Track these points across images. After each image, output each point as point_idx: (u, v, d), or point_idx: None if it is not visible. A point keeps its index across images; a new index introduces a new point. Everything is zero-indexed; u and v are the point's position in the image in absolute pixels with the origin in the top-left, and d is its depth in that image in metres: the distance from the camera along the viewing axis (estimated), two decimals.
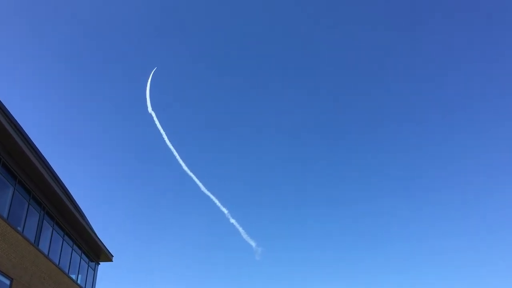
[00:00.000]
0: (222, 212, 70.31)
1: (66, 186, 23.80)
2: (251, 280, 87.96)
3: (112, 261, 30.55)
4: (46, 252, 21.98)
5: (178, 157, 67.14)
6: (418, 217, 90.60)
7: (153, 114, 67.33)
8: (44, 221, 22.16)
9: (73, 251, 25.79)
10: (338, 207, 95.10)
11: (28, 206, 20.55)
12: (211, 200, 70.33)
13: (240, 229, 71.37)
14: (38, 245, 21.15)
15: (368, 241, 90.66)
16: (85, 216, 26.75)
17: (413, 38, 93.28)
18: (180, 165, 68.07)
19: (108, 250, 29.39)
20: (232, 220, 69.97)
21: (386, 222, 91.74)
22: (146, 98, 68.14)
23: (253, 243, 73.87)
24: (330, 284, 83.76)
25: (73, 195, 24.69)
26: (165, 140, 66.87)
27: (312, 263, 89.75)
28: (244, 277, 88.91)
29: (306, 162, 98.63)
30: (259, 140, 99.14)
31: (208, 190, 69.24)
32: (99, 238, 27.79)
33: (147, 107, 68.29)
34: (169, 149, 68.49)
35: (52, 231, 23.08)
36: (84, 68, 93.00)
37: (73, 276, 25.89)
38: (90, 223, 27.33)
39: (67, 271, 24.59)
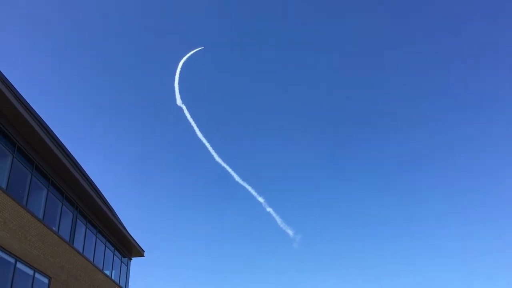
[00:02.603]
0: (258, 202, 70.11)
1: (96, 185, 24.40)
2: (289, 268, 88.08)
3: (143, 256, 31.24)
4: (81, 250, 22.66)
5: (210, 148, 66.98)
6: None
7: (184, 107, 66.86)
8: (78, 220, 22.81)
9: (106, 248, 26.49)
10: (379, 193, 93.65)
11: (62, 206, 21.18)
12: (246, 190, 69.86)
13: (277, 217, 71.11)
14: (73, 244, 21.82)
15: (413, 230, 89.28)
16: (116, 213, 27.39)
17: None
18: (212, 156, 67.82)
19: (139, 246, 30.05)
20: (269, 209, 69.67)
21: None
22: (174, 91, 67.08)
23: (290, 232, 73.64)
24: (369, 273, 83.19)
25: (103, 193, 25.31)
26: (196, 133, 66.52)
27: (351, 250, 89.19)
28: (282, 265, 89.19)
29: (343, 150, 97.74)
30: (292, 129, 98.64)
31: (244, 180, 68.64)
32: (130, 234, 28.44)
33: (175, 101, 67.39)
34: (201, 141, 68.21)
35: (86, 229, 23.74)
36: (108, 61, 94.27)
37: (107, 272, 26.62)
38: (121, 219, 27.96)
39: (101, 268, 25.30)
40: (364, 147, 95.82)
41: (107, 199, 25.73)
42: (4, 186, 16.23)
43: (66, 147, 20.62)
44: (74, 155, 21.45)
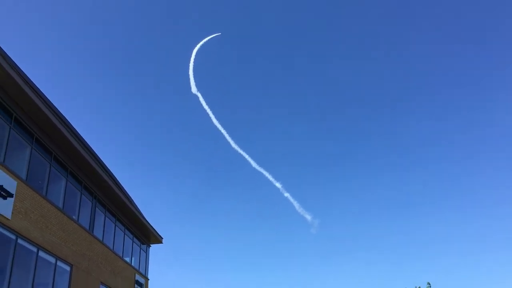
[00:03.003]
0: (276, 188, 70.01)
1: (114, 174, 24.73)
2: (307, 253, 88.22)
3: (162, 243, 31.72)
4: (100, 238, 23.10)
5: (226, 135, 66.89)
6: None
7: (199, 95, 66.50)
8: (97, 208, 23.21)
9: (125, 235, 26.95)
10: (401, 173, 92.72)
11: (81, 195, 21.55)
12: (264, 176, 69.68)
13: (295, 202, 71.07)
14: (93, 232, 22.25)
15: (434, 211, 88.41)
16: (134, 201, 27.77)
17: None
18: (229, 143, 67.93)
19: (157, 233, 30.50)
20: (286, 194, 69.64)
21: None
22: (189, 79, 66.39)
23: (308, 216, 73.60)
24: (390, 256, 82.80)
25: (121, 182, 25.64)
26: (212, 120, 66.35)
27: (372, 234, 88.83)
28: (300, 251, 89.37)
29: (360, 132, 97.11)
30: (308, 113, 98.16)
31: (261, 166, 68.47)
32: (148, 222, 28.86)
33: (190, 88, 66.73)
34: (217, 128, 68.03)
35: (105, 217, 24.16)
36: (121, 49, 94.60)
37: (127, 259, 27.14)
38: (140, 207, 28.35)
39: (121, 255, 25.79)
40: (382, 127, 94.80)
41: (124, 188, 26.09)
42: (24, 177, 16.56)
43: (83, 136, 20.89)
44: (90, 145, 21.74)
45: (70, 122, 19.59)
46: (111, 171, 24.23)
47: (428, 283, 41.18)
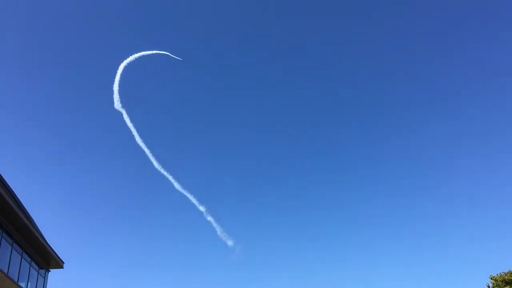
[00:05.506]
0: (200, 211, 68.92)
1: (15, 192, 23.12)
2: (228, 279, 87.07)
3: (62, 267, 29.84)
4: None
5: (150, 155, 64.78)
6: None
7: (123, 111, 63.52)
8: None
9: (22, 258, 25.05)
10: (319, 202, 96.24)
11: None
12: (188, 199, 68.34)
13: (218, 227, 70.23)
14: None
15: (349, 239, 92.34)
16: (35, 223, 26.04)
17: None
18: (151, 163, 65.74)
19: (58, 257, 28.67)
20: (209, 218, 68.66)
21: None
22: (113, 94, 63.01)
23: (230, 242, 72.88)
24: (309, 282, 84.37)
25: (22, 201, 24.02)
26: (135, 138, 63.84)
27: (292, 261, 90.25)
28: (221, 276, 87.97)
29: (286, 158, 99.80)
30: (236, 134, 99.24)
31: (184, 189, 67.04)
32: (48, 244, 27.10)
33: (113, 104, 63.29)
34: (140, 147, 65.68)
35: (1, 238, 22.37)
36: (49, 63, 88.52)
37: (23, 284, 25.16)
38: (44, 230, 26.64)
39: (16, 280, 23.87)
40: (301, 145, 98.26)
41: (25, 206, 24.47)
42: None
43: None
44: None
45: None
46: (12, 188, 22.68)
47: None
